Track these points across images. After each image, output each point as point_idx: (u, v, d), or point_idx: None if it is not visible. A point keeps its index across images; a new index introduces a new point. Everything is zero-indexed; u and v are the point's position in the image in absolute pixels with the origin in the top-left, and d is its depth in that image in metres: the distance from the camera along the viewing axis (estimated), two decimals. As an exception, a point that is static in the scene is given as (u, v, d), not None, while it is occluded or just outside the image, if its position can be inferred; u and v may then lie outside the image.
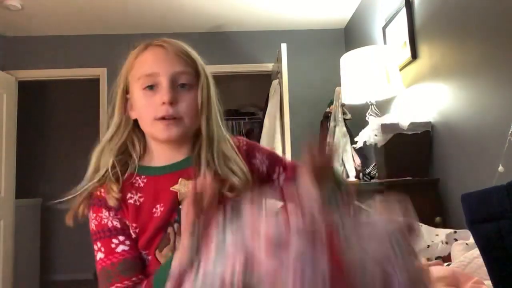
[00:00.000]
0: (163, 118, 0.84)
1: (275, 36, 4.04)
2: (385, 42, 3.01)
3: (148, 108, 0.85)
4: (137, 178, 0.86)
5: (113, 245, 0.81)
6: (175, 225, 0.82)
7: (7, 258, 3.79)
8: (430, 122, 2.37)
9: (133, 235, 0.83)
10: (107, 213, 0.82)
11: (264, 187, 0.90)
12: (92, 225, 0.83)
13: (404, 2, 2.66)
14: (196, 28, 4.04)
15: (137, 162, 0.88)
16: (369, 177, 2.79)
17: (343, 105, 3.33)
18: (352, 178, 2.95)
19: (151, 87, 0.85)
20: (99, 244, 0.82)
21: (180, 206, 0.81)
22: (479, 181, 1.88)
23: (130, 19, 3.87)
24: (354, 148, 2.94)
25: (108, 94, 3.78)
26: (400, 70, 2.70)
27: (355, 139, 2.63)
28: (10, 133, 3.97)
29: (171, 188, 0.84)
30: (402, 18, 2.70)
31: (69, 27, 3.99)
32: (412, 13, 2.62)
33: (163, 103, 0.83)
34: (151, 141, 0.90)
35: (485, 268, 0.82)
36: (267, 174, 0.94)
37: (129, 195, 0.84)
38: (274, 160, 0.96)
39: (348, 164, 3.06)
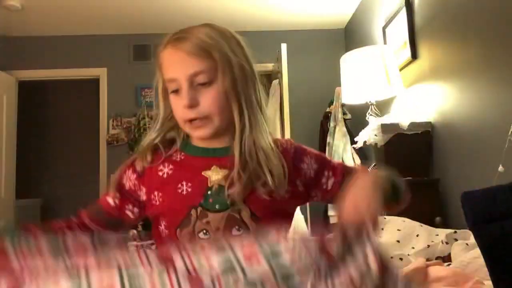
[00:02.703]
0: (190, 121, 0.86)
1: (275, 36, 4.04)
2: (385, 42, 3.01)
3: (176, 111, 0.87)
4: (178, 153, 0.90)
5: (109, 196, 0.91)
6: (199, 209, 0.83)
7: (7, 258, 3.79)
8: (430, 122, 2.37)
9: (143, 197, 0.88)
10: (129, 172, 0.91)
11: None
12: (117, 174, 0.93)
13: (404, 2, 2.66)
14: (196, 28, 4.03)
15: (183, 139, 0.91)
16: (369, 177, 2.78)
17: (343, 105, 3.33)
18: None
19: (176, 91, 0.86)
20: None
21: (209, 192, 0.83)
22: (479, 181, 1.88)
23: (130, 19, 3.86)
24: (354, 148, 2.93)
25: (108, 94, 3.75)
26: (400, 70, 2.70)
27: (355, 139, 2.63)
28: (10, 133, 3.97)
29: (202, 173, 0.85)
30: (402, 18, 2.69)
31: (69, 27, 3.99)
32: (412, 13, 2.62)
33: (184, 107, 0.85)
34: None
35: (485, 269, 0.82)
36: (314, 179, 0.91)
37: (160, 167, 0.88)
38: (322, 163, 0.93)
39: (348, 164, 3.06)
